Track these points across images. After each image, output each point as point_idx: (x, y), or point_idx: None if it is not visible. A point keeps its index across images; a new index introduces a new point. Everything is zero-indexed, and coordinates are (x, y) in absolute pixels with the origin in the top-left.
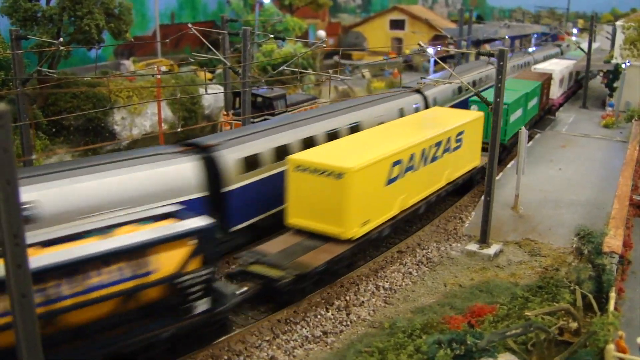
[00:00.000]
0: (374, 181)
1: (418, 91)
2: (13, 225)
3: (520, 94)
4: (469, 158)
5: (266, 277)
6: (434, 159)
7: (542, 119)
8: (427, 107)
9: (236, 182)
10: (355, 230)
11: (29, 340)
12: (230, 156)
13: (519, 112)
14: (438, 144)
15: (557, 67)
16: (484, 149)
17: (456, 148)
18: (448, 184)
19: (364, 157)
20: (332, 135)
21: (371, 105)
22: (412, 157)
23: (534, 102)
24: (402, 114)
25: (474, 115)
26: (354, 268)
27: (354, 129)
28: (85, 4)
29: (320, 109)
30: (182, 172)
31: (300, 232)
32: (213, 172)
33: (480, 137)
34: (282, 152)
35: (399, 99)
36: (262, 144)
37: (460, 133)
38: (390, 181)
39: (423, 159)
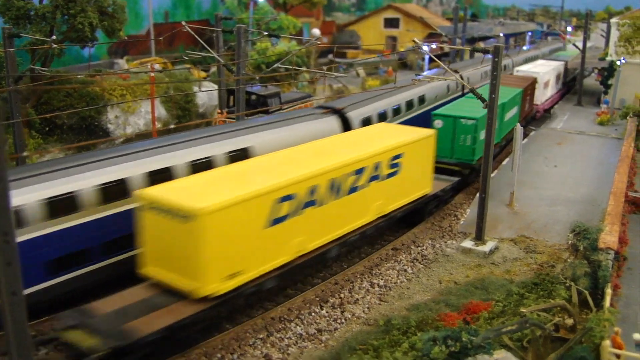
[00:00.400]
0: (247, 223)
1: (456, 71)
2: (3, 222)
3: None
4: (414, 185)
5: (76, 348)
6: (353, 189)
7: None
8: (460, 87)
9: None
10: (216, 285)
11: (18, 337)
12: (355, 116)
13: None
14: (359, 171)
15: (543, 69)
16: (442, 171)
17: (391, 175)
18: (380, 218)
19: (228, 194)
20: (409, 105)
21: (430, 83)
22: (313, 190)
23: (513, 112)
24: (448, 89)
25: (421, 134)
26: (231, 324)
27: (422, 99)
28: (79, 2)
29: (400, 85)
30: (330, 126)
31: (157, 284)
32: (346, 128)
33: (431, 159)
34: (382, 117)
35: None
36: (371, 109)
37: (397, 156)
38: (276, 221)
39: (334, 191)
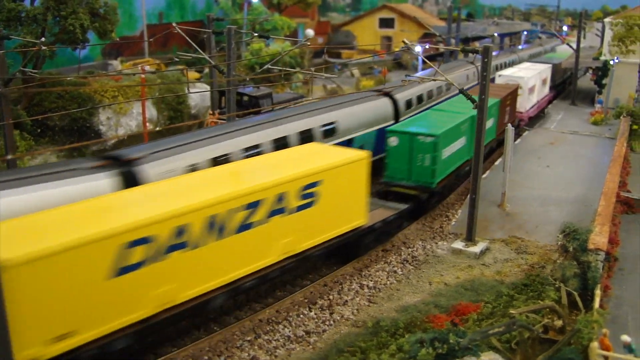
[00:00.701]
0: (80, 273)
1: (472, 63)
2: None
3: (460, 119)
4: (340, 217)
5: None
6: (245, 227)
7: (501, 144)
8: (477, 76)
9: (403, 116)
10: (37, 349)
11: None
12: (400, 98)
13: (459, 144)
14: (252, 205)
15: (528, 73)
16: (398, 196)
17: (304, 206)
18: (289, 258)
19: (50, 241)
20: (439, 90)
21: (457, 71)
22: (182, 231)
23: (487, 125)
24: (467, 78)
25: (349, 157)
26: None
27: (448, 85)
28: (70, 3)
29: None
30: (385, 104)
31: None
32: (395, 108)
33: (363, 185)
34: (420, 99)
35: (464, 68)
36: (412, 92)
37: (312, 185)
38: (126, 270)
39: (214, 230)
